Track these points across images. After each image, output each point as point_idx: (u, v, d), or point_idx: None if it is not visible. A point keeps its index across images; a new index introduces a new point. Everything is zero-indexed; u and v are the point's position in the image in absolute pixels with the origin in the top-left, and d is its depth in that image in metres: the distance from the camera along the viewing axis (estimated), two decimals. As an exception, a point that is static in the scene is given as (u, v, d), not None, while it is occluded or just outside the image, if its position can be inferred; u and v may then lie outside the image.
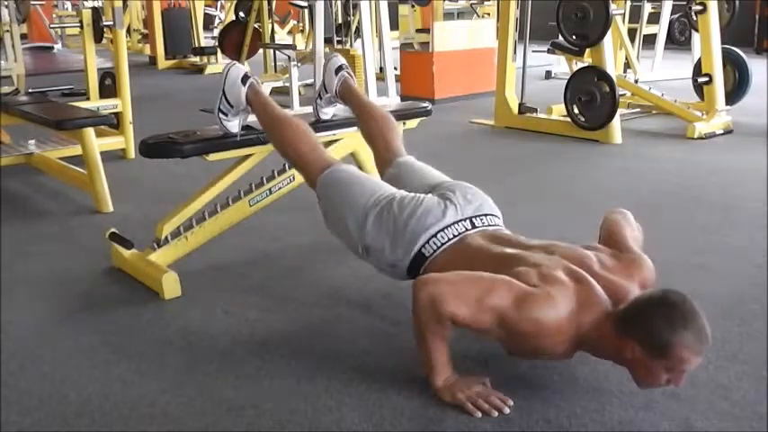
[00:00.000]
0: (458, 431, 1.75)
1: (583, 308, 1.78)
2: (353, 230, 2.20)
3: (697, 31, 5.48)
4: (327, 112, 2.91)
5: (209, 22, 12.54)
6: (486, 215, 2.18)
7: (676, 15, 7.07)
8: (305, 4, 7.76)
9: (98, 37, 4.86)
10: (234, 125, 2.64)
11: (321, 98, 2.84)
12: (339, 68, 2.73)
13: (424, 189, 2.27)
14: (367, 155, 2.89)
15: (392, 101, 3.78)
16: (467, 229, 2.11)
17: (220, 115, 2.61)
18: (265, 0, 7.72)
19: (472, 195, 2.20)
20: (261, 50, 7.86)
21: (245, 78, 2.55)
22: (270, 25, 7.94)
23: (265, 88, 4.92)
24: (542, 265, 1.86)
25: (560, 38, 5.23)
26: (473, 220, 2.14)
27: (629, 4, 7.02)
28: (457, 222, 2.11)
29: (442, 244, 2.08)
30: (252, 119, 2.72)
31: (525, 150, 4.84)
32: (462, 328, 1.83)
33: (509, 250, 1.99)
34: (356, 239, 2.21)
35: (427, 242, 2.08)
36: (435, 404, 1.84)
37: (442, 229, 2.09)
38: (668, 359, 1.69)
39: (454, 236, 2.09)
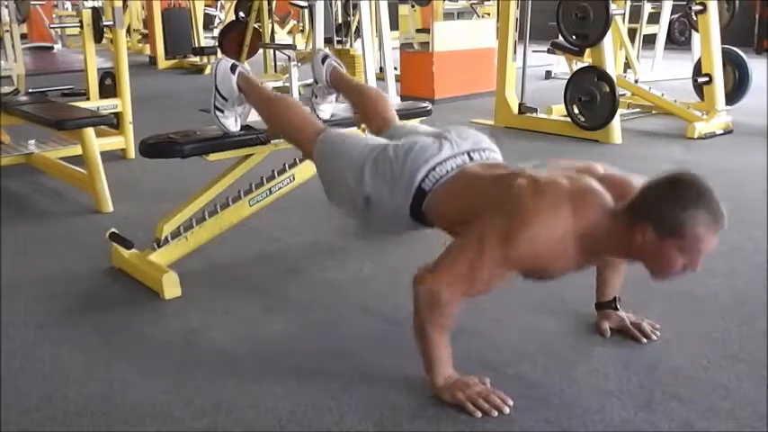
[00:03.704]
0: (458, 431, 1.75)
1: (580, 208, 1.74)
2: (352, 184, 2.17)
3: (697, 31, 5.48)
4: (325, 110, 2.90)
5: (209, 22, 12.54)
6: (483, 149, 2.16)
7: (676, 15, 7.07)
8: (305, 4, 7.76)
9: (98, 37, 4.86)
10: (231, 122, 2.64)
11: (317, 96, 2.85)
12: (325, 58, 2.77)
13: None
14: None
15: (392, 101, 3.79)
16: (465, 162, 2.08)
17: (217, 113, 2.62)
18: (265, 0, 7.72)
19: (467, 134, 2.18)
20: (261, 50, 7.86)
21: (233, 68, 2.60)
22: (270, 25, 7.94)
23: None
24: (537, 175, 1.84)
25: (560, 38, 5.23)
26: (470, 153, 2.11)
27: (629, 4, 7.01)
28: (454, 156, 2.09)
29: (441, 177, 2.05)
30: (251, 119, 2.72)
31: (525, 150, 4.83)
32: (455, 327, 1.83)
33: (508, 171, 1.97)
34: (356, 193, 2.17)
35: (426, 177, 2.05)
36: (435, 404, 1.84)
37: (440, 163, 2.06)
38: (683, 238, 1.66)
39: (452, 168, 2.06)
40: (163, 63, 10.06)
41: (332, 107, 2.93)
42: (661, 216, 1.67)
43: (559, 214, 1.73)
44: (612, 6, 4.85)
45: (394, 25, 7.90)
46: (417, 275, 1.85)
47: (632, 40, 6.84)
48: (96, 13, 4.83)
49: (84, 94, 5.16)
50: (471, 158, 2.10)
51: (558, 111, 5.54)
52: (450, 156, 2.08)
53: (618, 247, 1.78)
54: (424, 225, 2.14)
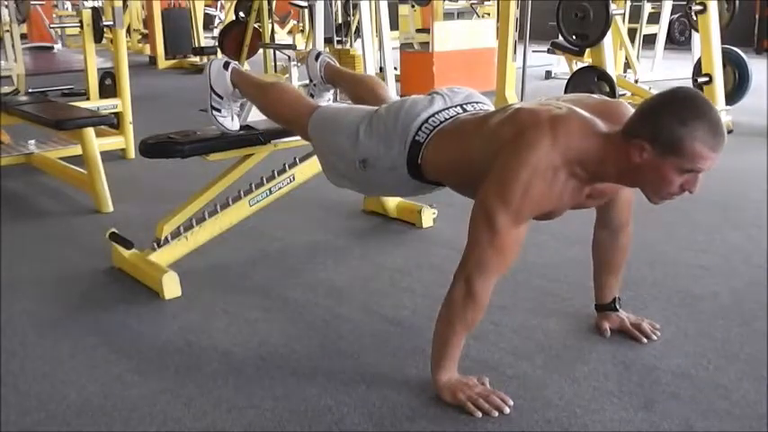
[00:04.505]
0: (458, 431, 1.75)
1: (562, 136, 1.71)
2: (348, 148, 2.18)
3: (697, 31, 5.48)
4: None
5: (209, 22, 12.54)
6: (476, 102, 2.16)
7: (676, 15, 7.07)
8: (305, 4, 7.76)
9: (98, 37, 4.86)
10: (229, 121, 2.64)
11: (314, 95, 2.84)
12: (318, 56, 2.78)
13: None
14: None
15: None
16: (458, 114, 2.09)
17: (214, 113, 2.62)
18: (265, 0, 7.72)
19: (459, 89, 2.19)
20: (261, 50, 7.85)
21: (226, 65, 2.61)
22: (270, 25, 7.93)
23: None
24: (517, 110, 1.84)
25: (560, 38, 5.23)
26: (464, 106, 2.12)
27: (629, 4, 7.01)
28: (447, 108, 2.09)
29: (434, 127, 2.05)
30: (251, 118, 2.72)
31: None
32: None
33: (492, 112, 1.99)
34: (352, 157, 2.17)
35: (419, 129, 2.05)
36: (435, 404, 1.84)
37: (432, 115, 2.07)
38: (681, 155, 1.61)
39: (445, 119, 2.06)
40: (163, 63, 10.06)
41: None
42: (658, 130, 1.62)
43: (538, 152, 1.70)
44: (612, 6, 4.85)
45: (394, 25, 7.90)
46: (455, 274, 1.83)
47: (632, 40, 6.84)
48: (96, 13, 4.84)
49: (84, 94, 5.16)
50: (465, 110, 2.11)
51: (559, 111, 5.52)
52: (442, 108, 2.09)
53: (615, 171, 1.74)
54: (423, 182, 2.13)
